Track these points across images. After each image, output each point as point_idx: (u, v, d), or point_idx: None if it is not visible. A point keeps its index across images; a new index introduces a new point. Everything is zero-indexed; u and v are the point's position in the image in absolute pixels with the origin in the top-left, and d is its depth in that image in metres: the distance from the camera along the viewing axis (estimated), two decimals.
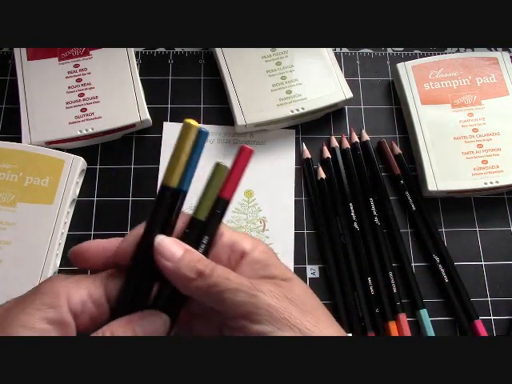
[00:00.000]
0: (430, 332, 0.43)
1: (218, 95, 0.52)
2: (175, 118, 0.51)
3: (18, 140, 0.47)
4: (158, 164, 0.49)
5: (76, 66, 0.50)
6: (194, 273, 0.23)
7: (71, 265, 0.25)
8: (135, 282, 0.24)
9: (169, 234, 0.24)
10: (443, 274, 0.45)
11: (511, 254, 0.47)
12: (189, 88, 0.52)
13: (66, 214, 0.45)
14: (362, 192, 0.48)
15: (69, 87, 0.49)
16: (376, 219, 0.47)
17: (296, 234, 0.47)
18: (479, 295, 0.45)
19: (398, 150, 0.50)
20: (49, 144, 0.47)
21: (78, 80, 0.49)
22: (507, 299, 0.45)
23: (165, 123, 0.51)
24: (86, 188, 0.48)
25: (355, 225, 0.46)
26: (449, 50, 0.56)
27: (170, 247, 0.23)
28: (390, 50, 0.56)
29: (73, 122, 0.47)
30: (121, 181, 0.48)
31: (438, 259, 0.46)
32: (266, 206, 0.48)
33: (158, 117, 0.50)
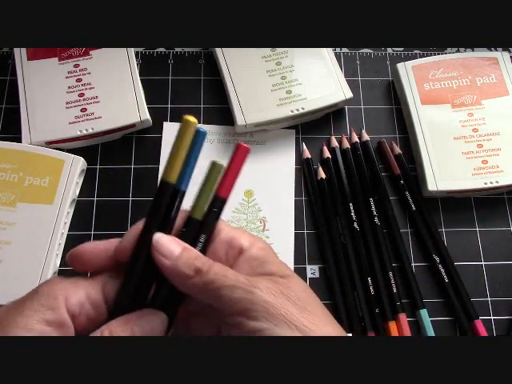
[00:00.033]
0: (430, 332, 0.43)
1: (218, 95, 0.52)
2: (175, 118, 0.51)
3: (18, 140, 0.47)
4: (158, 164, 0.49)
5: (76, 66, 0.50)
6: (192, 270, 0.23)
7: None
8: (134, 280, 0.24)
9: (168, 231, 0.24)
10: (443, 274, 0.45)
11: (511, 254, 0.47)
12: (189, 88, 0.52)
13: (66, 214, 0.45)
14: (362, 192, 0.48)
15: (69, 87, 0.49)
16: (376, 219, 0.47)
17: (296, 234, 0.47)
18: (479, 295, 0.45)
19: (398, 150, 0.50)
20: (49, 144, 0.47)
21: (78, 80, 0.49)
22: (507, 299, 0.45)
23: (165, 123, 0.51)
24: (86, 188, 0.48)
25: (355, 225, 0.46)
26: (449, 50, 0.56)
27: (169, 245, 0.23)
28: (389, 50, 0.56)
29: (73, 122, 0.47)
30: (121, 181, 0.48)
31: (438, 259, 0.46)
32: (266, 206, 0.48)
33: (158, 117, 0.50)
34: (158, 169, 0.49)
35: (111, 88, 0.49)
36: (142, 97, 0.49)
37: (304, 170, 0.49)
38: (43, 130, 0.47)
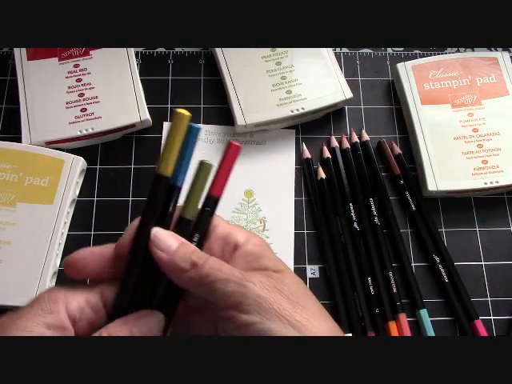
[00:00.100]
0: (430, 332, 0.43)
1: (218, 95, 0.52)
2: None
3: (18, 140, 0.47)
4: None
5: (76, 66, 0.50)
6: (188, 264, 0.23)
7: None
8: (133, 276, 0.24)
9: (165, 227, 0.25)
10: (443, 274, 0.45)
11: (511, 254, 0.47)
12: (189, 88, 0.52)
13: (66, 213, 0.45)
14: (362, 192, 0.48)
15: (69, 87, 0.49)
16: (376, 219, 0.47)
17: (296, 234, 0.47)
18: (479, 295, 0.45)
19: (398, 150, 0.50)
20: (49, 144, 0.47)
21: (78, 80, 0.49)
22: (507, 299, 0.45)
23: (165, 123, 0.51)
24: (86, 188, 0.48)
25: (355, 225, 0.46)
26: (449, 49, 0.56)
27: (166, 239, 0.24)
28: (390, 50, 0.56)
29: (73, 122, 0.47)
30: (121, 181, 0.48)
31: (438, 259, 0.46)
32: (266, 206, 0.48)
33: (158, 117, 0.50)
34: None
35: (111, 88, 0.49)
36: (142, 97, 0.49)
37: (304, 169, 0.49)
38: (43, 130, 0.47)
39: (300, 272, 0.46)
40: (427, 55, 0.55)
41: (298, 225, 0.47)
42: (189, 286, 0.24)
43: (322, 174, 0.48)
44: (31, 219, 0.43)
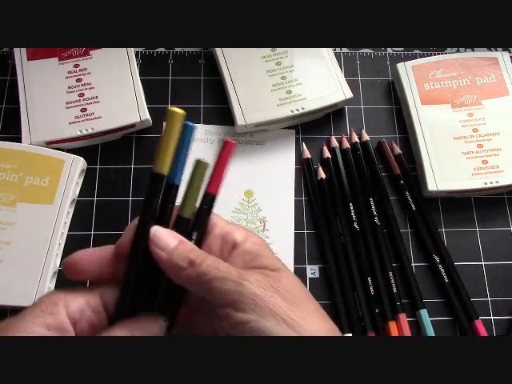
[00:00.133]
0: (430, 332, 0.43)
1: (218, 95, 0.52)
2: None
3: (18, 140, 0.47)
4: None
5: (76, 66, 0.50)
6: (186, 262, 0.23)
7: None
8: (134, 275, 0.24)
9: (164, 225, 0.25)
10: (443, 274, 0.45)
11: (511, 254, 0.47)
12: (189, 88, 0.52)
13: (66, 214, 0.45)
14: (362, 192, 0.48)
15: (69, 87, 0.49)
16: (376, 219, 0.47)
17: (296, 234, 0.47)
18: (479, 295, 0.45)
19: (398, 150, 0.50)
20: (49, 144, 0.47)
21: (78, 80, 0.49)
22: (507, 299, 0.45)
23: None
24: (86, 188, 0.48)
25: (355, 225, 0.46)
26: (449, 49, 0.56)
27: (165, 238, 0.24)
28: (390, 50, 0.56)
29: (73, 122, 0.47)
30: (121, 181, 0.48)
31: (438, 259, 0.46)
32: (266, 206, 0.48)
33: (158, 117, 0.50)
34: None
35: (111, 88, 0.49)
36: (142, 97, 0.49)
37: (304, 169, 0.49)
38: (43, 130, 0.47)
39: (300, 272, 0.46)
40: (427, 55, 0.55)
41: (298, 225, 0.47)
42: (187, 284, 0.24)
43: (321, 174, 0.48)
44: (31, 219, 0.43)
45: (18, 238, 0.43)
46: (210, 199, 0.25)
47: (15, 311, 0.43)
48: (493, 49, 0.55)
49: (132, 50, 0.51)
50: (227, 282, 0.23)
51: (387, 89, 0.54)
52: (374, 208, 0.47)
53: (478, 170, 0.47)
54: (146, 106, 0.49)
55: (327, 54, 0.51)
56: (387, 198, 0.48)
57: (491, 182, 0.47)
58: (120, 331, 0.23)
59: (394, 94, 0.53)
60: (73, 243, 0.45)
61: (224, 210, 0.47)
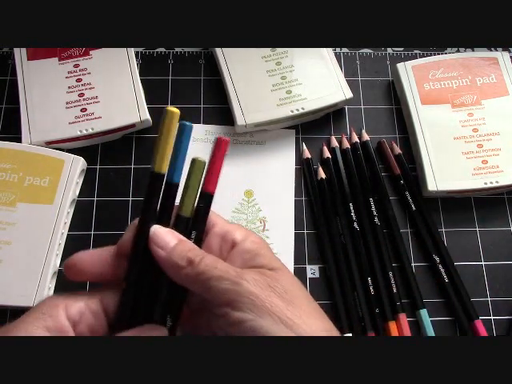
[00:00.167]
0: (430, 332, 0.43)
1: (218, 95, 0.52)
2: None
3: (18, 140, 0.47)
4: None
5: (76, 66, 0.50)
6: (185, 261, 0.23)
7: None
8: (135, 274, 0.25)
9: (165, 224, 0.25)
10: (443, 274, 0.45)
11: (511, 254, 0.47)
12: (189, 88, 0.52)
13: (66, 214, 0.45)
14: (362, 192, 0.48)
15: (69, 87, 0.49)
16: (376, 219, 0.47)
17: (296, 234, 0.47)
18: (479, 295, 0.45)
19: (398, 150, 0.50)
20: (49, 144, 0.47)
21: (78, 80, 0.49)
22: (507, 299, 0.45)
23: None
24: (86, 188, 0.48)
25: (355, 225, 0.46)
26: (449, 49, 0.56)
27: (165, 237, 0.24)
28: (390, 50, 0.56)
29: (73, 122, 0.47)
30: (121, 181, 0.48)
31: (438, 259, 0.46)
32: (266, 206, 0.48)
33: (158, 117, 0.50)
34: None
35: (111, 88, 0.49)
36: (142, 97, 0.49)
37: (304, 169, 0.49)
38: (43, 130, 0.47)
39: (300, 272, 0.46)
40: (427, 55, 0.55)
41: (297, 225, 0.47)
42: (186, 283, 0.24)
43: (322, 174, 0.48)
44: (31, 219, 0.43)
45: (18, 238, 0.43)
46: (207, 197, 0.25)
47: (15, 311, 0.43)
48: (493, 49, 0.55)
49: (132, 50, 0.51)
50: (225, 281, 0.23)
51: (387, 89, 0.54)
52: (373, 208, 0.47)
53: (477, 170, 0.47)
54: (145, 106, 0.49)
55: (327, 54, 0.51)
56: (387, 198, 0.48)
57: (491, 182, 0.47)
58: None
59: (394, 94, 0.53)
60: (73, 243, 0.45)
61: (224, 210, 0.47)
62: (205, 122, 0.51)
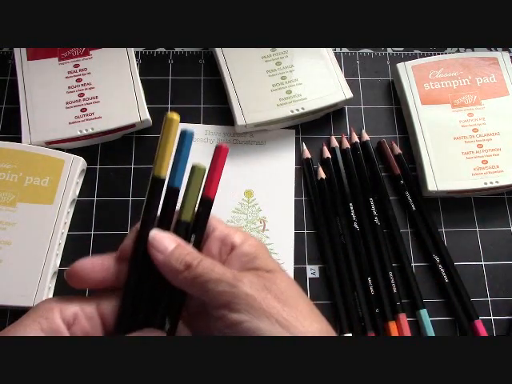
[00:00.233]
0: (430, 332, 0.43)
1: (218, 95, 0.52)
2: None
3: (18, 140, 0.47)
4: None
5: (76, 66, 0.50)
6: (183, 265, 0.24)
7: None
8: (134, 279, 0.25)
9: (166, 228, 0.25)
10: (443, 274, 0.45)
11: (511, 254, 0.47)
12: (189, 88, 0.52)
13: (66, 214, 0.45)
14: (362, 192, 0.48)
15: (69, 87, 0.49)
16: (376, 219, 0.47)
17: (296, 234, 0.47)
18: (479, 295, 0.45)
19: (398, 150, 0.50)
20: (49, 144, 0.47)
21: (78, 80, 0.49)
22: (507, 299, 0.45)
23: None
24: (86, 188, 0.48)
25: (355, 225, 0.46)
26: (449, 49, 0.56)
27: (163, 241, 0.24)
28: (390, 50, 0.56)
29: (73, 122, 0.47)
30: (121, 181, 0.48)
31: (438, 259, 0.46)
32: (266, 206, 0.48)
33: (158, 117, 0.50)
34: None
35: (111, 88, 0.49)
36: (142, 97, 0.49)
37: (304, 170, 0.49)
38: (43, 130, 0.47)
39: (300, 272, 0.46)
40: (427, 55, 0.55)
41: (298, 225, 0.47)
42: (184, 287, 0.24)
43: (322, 174, 0.48)
44: (31, 219, 0.43)
45: (17, 237, 0.43)
46: (207, 203, 0.26)
47: (15, 311, 0.43)
48: (493, 49, 0.55)
49: (132, 50, 0.51)
50: (222, 283, 0.23)
51: (387, 89, 0.54)
52: (374, 208, 0.47)
53: (478, 170, 0.47)
54: (145, 106, 0.49)
55: (327, 54, 0.51)
56: (387, 198, 0.48)
57: (491, 182, 0.47)
58: None
59: (394, 94, 0.53)
60: (73, 243, 0.45)
61: (224, 210, 0.47)
62: (205, 122, 0.51)
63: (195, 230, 0.26)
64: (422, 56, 0.55)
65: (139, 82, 0.50)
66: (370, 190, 0.48)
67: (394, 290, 0.44)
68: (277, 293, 0.23)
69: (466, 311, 0.44)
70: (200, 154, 0.48)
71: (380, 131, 0.51)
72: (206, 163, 0.26)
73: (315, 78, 0.50)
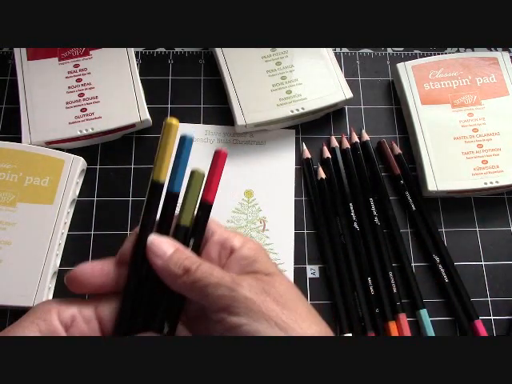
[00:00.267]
0: (430, 332, 0.43)
1: (218, 95, 0.52)
2: None
3: (18, 140, 0.47)
4: None
5: (76, 66, 0.50)
6: (182, 270, 0.24)
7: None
8: (134, 283, 0.25)
9: (165, 232, 0.25)
10: (443, 274, 0.45)
11: (511, 254, 0.47)
12: (189, 88, 0.52)
13: (66, 214, 0.45)
14: (362, 192, 0.48)
15: (69, 87, 0.49)
16: (376, 219, 0.47)
17: (296, 234, 0.47)
18: (479, 295, 0.45)
19: (398, 150, 0.50)
20: (49, 144, 0.47)
21: (78, 80, 0.49)
22: (507, 299, 0.45)
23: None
24: (86, 188, 0.48)
25: (355, 225, 0.46)
26: (449, 49, 0.56)
27: (162, 245, 0.24)
28: (390, 50, 0.56)
29: (73, 122, 0.47)
30: (121, 181, 0.48)
31: (438, 259, 0.46)
32: (266, 206, 0.48)
33: (158, 117, 0.50)
34: None
35: (111, 88, 0.49)
36: (142, 97, 0.49)
37: (304, 169, 0.49)
38: (43, 130, 0.47)
39: (300, 272, 0.46)
40: (427, 55, 0.55)
41: (297, 225, 0.47)
42: (183, 291, 0.24)
43: (322, 174, 0.48)
44: (31, 219, 0.43)
45: (17, 237, 0.43)
46: (206, 207, 0.26)
47: (15, 311, 0.43)
48: (493, 49, 0.55)
49: (132, 50, 0.51)
50: (221, 287, 0.23)
51: (387, 89, 0.54)
52: (374, 208, 0.47)
53: (478, 170, 0.47)
54: (145, 106, 0.49)
55: (327, 54, 0.51)
56: (387, 198, 0.48)
57: (491, 182, 0.47)
58: None
59: (394, 94, 0.53)
60: (73, 243, 0.45)
61: (224, 210, 0.47)
62: (205, 122, 0.51)
63: (194, 234, 0.26)
64: (422, 56, 0.55)
65: (139, 82, 0.50)
66: (370, 190, 0.48)
67: (394, 290, 0.44)
68: (276, 296, 0.23)
69: (466, 311, 0.44)
70: (200, 154, 0.48)
71: (380, 131, 0.51)
72: (206, 163, 0.26)
73: (315, 77, 0.50)
